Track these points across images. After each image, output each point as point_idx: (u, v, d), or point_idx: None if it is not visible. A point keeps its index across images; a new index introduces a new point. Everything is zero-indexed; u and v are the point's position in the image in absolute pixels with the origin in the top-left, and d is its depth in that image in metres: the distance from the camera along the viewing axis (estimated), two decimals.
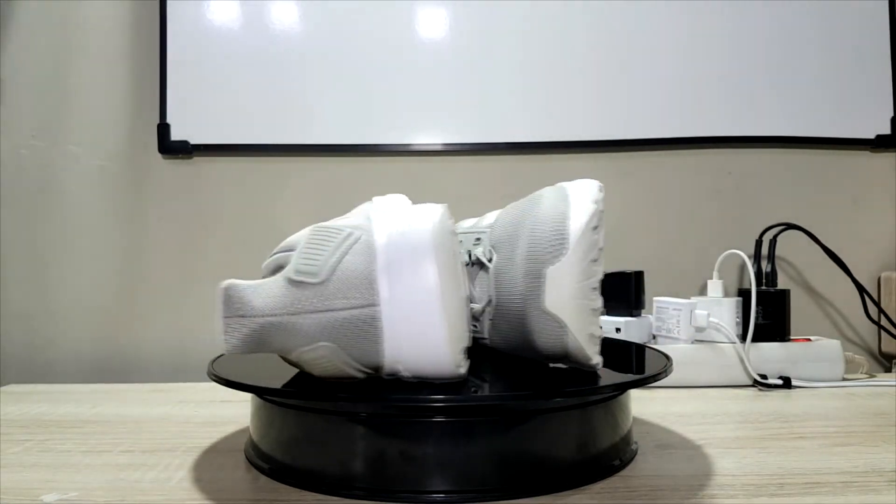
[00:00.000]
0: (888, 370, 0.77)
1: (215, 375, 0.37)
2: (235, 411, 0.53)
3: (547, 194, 0.38)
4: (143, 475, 0.38)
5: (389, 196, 0.47)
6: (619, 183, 0.79)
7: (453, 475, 0.33)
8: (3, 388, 0.65)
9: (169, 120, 0.77)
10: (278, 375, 0.37)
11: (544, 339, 0.35)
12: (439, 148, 0.78)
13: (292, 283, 0.32)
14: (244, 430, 0.47)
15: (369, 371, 0.34)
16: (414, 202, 0.46)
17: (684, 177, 0.80)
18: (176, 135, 0.77)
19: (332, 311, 0.32)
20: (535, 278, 0.35)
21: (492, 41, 0.78)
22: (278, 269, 0.35)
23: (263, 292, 0.32)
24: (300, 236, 0.36)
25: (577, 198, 0.37)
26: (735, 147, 0.79)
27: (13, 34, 0.78)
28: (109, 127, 0.78)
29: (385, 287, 0.32)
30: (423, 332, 0.32)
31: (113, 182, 0.78)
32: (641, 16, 0.78)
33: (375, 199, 0.46)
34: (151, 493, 0.35)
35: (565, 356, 0.36)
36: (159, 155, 0.78)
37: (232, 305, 0.32)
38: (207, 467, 0.39)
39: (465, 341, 0.34)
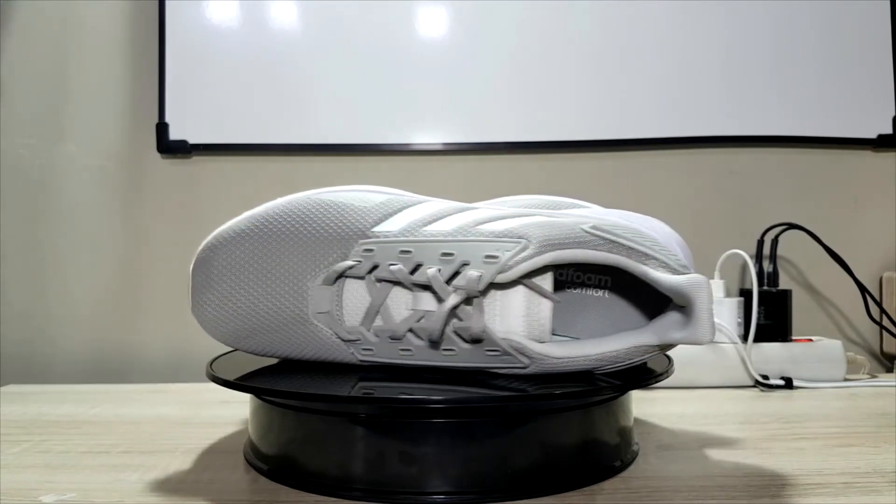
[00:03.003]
0: (890, 370, 0.77)
1: (214, 376, 0.37)
2: (234, 412, 0.53)
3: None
4: (142, 476, 0.38)
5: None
6: (619, 183, 0.79)
7: (453, 476, 0.33)
8: (3, 389, 0.64)
9: (167, 119, 0.77)
10: (277, 376, 0.37)
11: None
12: (439, 148, 0.78)
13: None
14: (243, 431, 0.47)
15: None
16: None
17: (685, 177, 0.80)
18: (175, 134, 0.77)
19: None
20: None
21: (491, 41, 0.78)
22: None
23: None
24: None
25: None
26: (736, 147, 0.79)
27: (13, 34, 0.78)
28: (108, 126, 0.78)
29: None
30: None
31: (112, 181, 0.78)
32: (642, 15, 0.78)
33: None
34: (150, 494, 0.35)
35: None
36: (158, 154, 0.78)
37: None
38: (206, 468, 0.39)
39: None
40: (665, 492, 0.34)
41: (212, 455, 0.42)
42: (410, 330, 0.35)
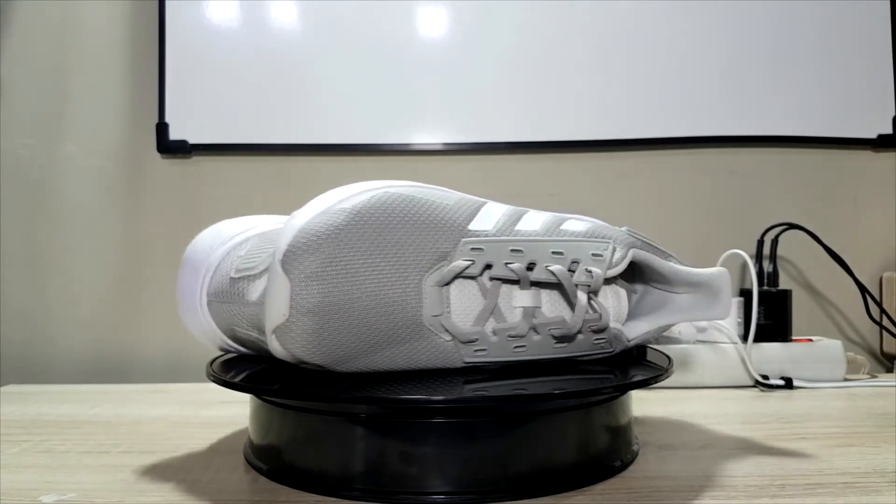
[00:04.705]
0: (890, 370, 0.77)
1: (214, 376, 0.37)
2: (234, 412, 0.53)
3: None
4: (142, 476, 0.38)
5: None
6: (620, 183, 0.79)
7: (453, 476, 0.33)
8: (3, 389, 0.65)
9: (167, 119, 0.77)
10: (277, 376, 0.37)
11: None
12: (439, 148, 0.78)
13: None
14: (243, 431, 0.47)
15: None
16: None
17: (684, 177, 0.80)
18: (175, 134, 0.77)
19: None
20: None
21: (492, 40, 0.78)
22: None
23: None
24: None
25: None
26: (736, 146, 0.79)
27: (13, 34, 0.78)
28: (108, 126, 0.78)
29: None
30: None
31: (112, 181, 0.78)
32: (642, 15, 0.78)
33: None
34: (150, 494, 0.35)
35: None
36: (158, 154, 0.78)
37: None
38: (206, 468, 0.39)
39: None
40: (665, 492, 0.34)
41: (212, 455, 0.42)
42: (532, 327, 0.36)
